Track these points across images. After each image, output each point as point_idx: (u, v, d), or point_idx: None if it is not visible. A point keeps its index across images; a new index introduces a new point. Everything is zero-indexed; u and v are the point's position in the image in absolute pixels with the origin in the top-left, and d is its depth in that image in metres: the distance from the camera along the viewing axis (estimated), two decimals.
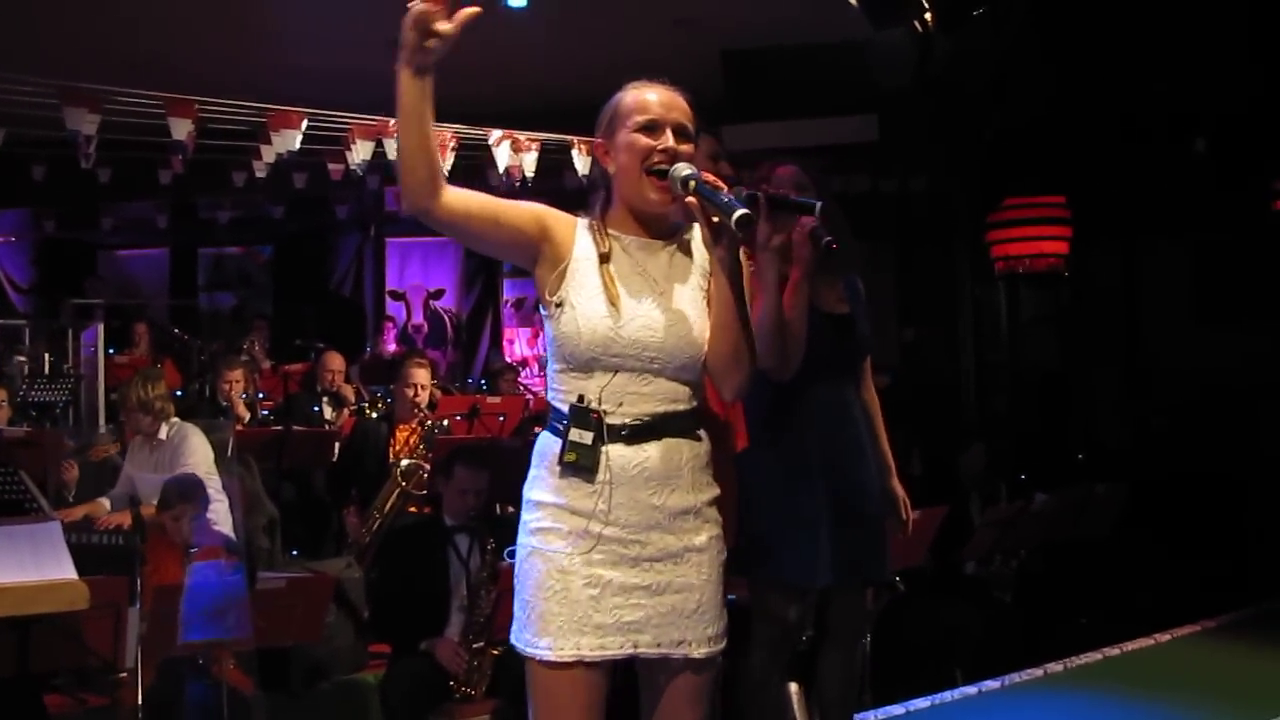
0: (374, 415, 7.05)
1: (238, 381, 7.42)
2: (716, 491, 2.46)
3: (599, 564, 2.31)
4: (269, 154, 6.87)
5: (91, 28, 8.20)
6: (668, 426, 2.37)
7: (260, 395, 8.31)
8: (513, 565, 3.99)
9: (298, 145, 6.72)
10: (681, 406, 2.39)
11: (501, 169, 7.25)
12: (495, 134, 7.22)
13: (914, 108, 8.13)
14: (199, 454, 5.56)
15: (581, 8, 7.93)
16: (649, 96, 2.43)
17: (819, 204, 2.53)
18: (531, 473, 2.42)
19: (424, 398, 6.60)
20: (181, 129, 6.23)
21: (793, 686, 4.10)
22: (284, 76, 8.82)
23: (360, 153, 6.97)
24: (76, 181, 8.16)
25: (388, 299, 12.93)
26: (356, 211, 12.19)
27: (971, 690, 3.86)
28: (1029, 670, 4.00)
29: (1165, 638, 4.49)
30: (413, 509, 6.11)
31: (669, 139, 2.38)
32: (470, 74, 8.93)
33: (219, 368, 7.66)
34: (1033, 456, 7.99)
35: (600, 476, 2.32)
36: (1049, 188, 9.03)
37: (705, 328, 2.40)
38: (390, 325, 12.29)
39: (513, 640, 2.39)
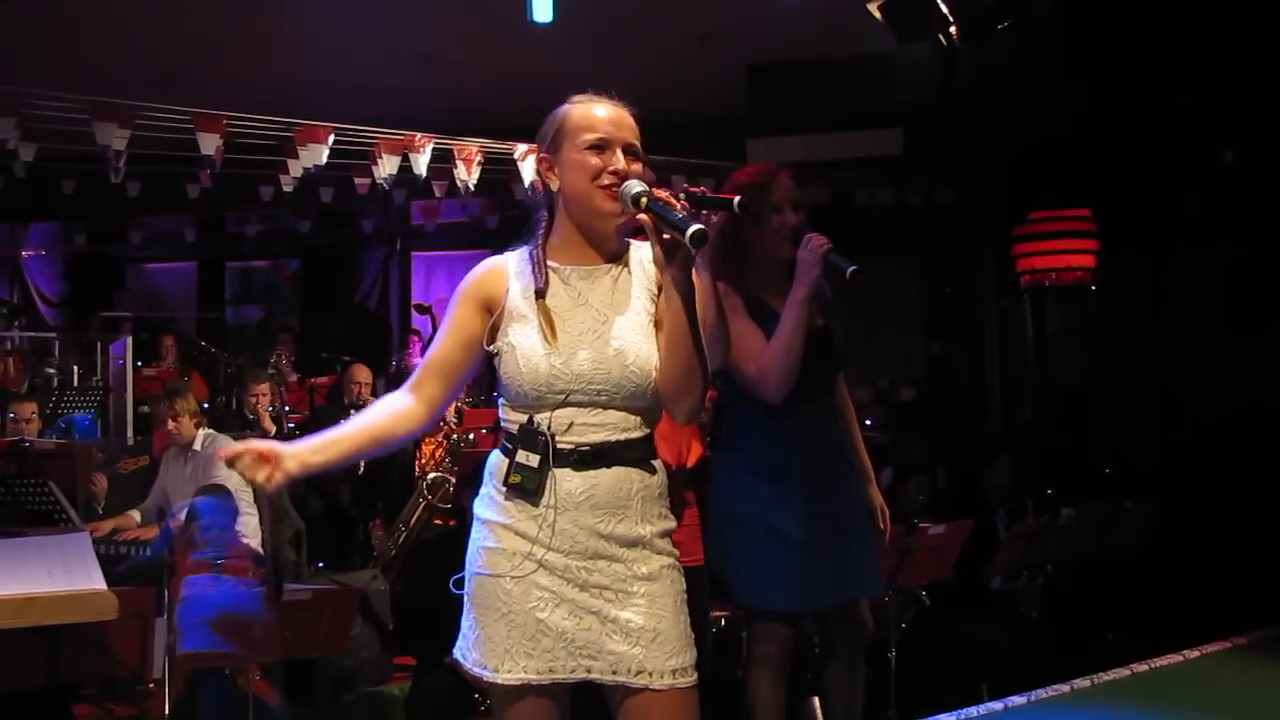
0: None
1: (264, 394, 7.46)
2: (671, 524, 2.40)
3: (547, 587, 2.27)
4: (296, 168, 6.92)
5: (121, 44, 8.28)
6: (619, 455, 2.32)
7: (286, 408, 8.35)
8: None
9: (324, 159, 6.76)
10: (634, 434, 2.34)
11: (527, 183, 7.27)
12: (521, 148, 7.24)
13: (939, 121, 8.12)
14: None
15: (607, 23, 7.95)
16: (597, 113, 2.38)
17: (735, 200, 2.41)
18: (482, 489, 2.41)
19: (450, 411, 6.62)
20: (210, 144, 6.29)
21: (815, 701, 4.10)
22: (310, 91, 8.89)
23: (386, 167, 7.00)
24: (106, 196, 8.22)
25: (413, 312, 12.94)
26: (382, 225, 12.23)
27: (998, 706, 3.83)
28: (1056, 686, 3.96)
29: (1195, 654, 4.43)
30: (438, 521, 6.13)
31: (619, 159, 2.33)
32: (496, 88, 9.02)
33: (245, 381, 7.70)
34: (1059, 471, 7.94)
35: (545, 500, 2.28)
36: (1075, 201, 8.99)
37: (652, 353, 2.33)
38: (416, 339, 12.30)
39: (458, 657, 2.37)
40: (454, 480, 5.99)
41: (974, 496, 6.20)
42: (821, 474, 3.36)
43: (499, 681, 2.28)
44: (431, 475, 6.21)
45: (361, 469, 7.05)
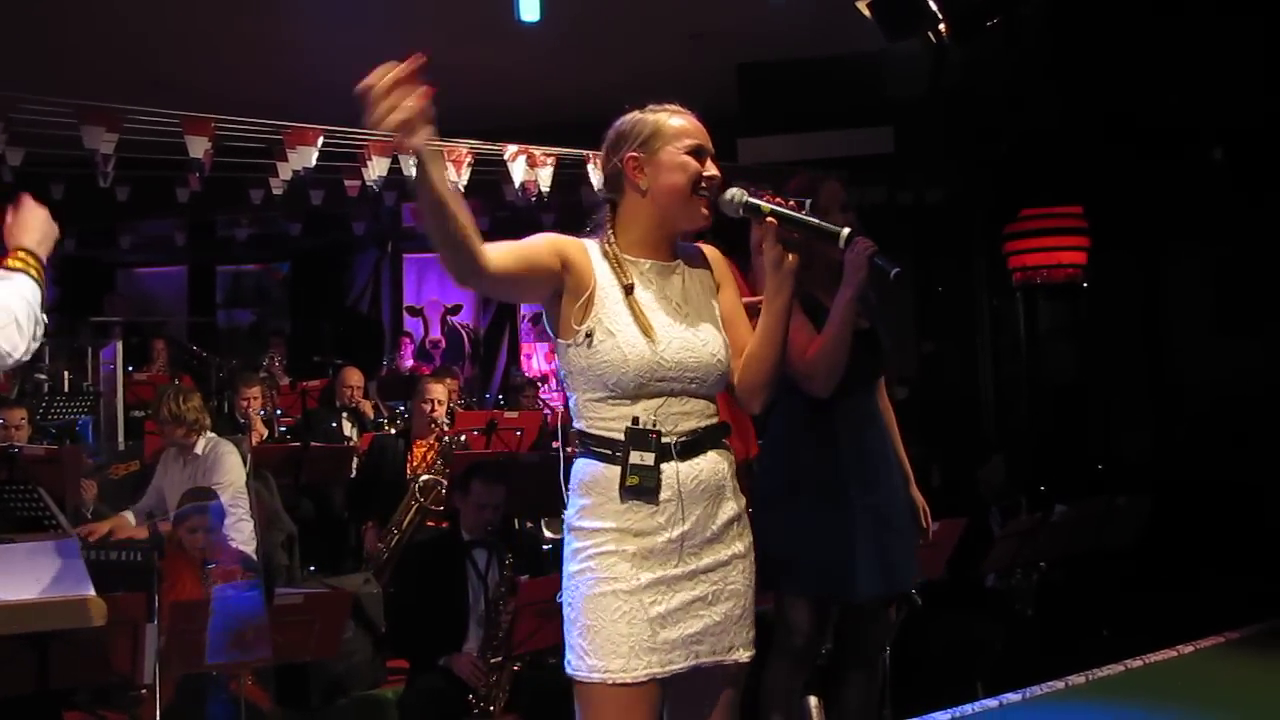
0: (392, 431, 7.04)
1: (256, 398, 7.44)
2: (745, 501, 2.53)
3: (663, 582, 2.35)
4: (285, 171, 6.88)
5: (108, 47, 8.26)
6: (712, 440, 2.45)
7: (278, 411, 8.33)
8: (529, 581, 4.00)
9: (314, 162, 6.73)
10: (715, 420, 2.47)
11: (517, 184, 7.25)
12: (510, 149, 7.22)
13: (929, 119, 8.13)
14: (233, 472, 5.58)
15: (596, 22, 7.94)
16: (691, 122, 2.52)
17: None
18: (577, 500, 2.43)
19: (442, 413, 6.61)
20: (198, 147, 6.25)
21: (812, 700, 4.10)
22: (299, 93, 8.86)
23: (376, 169, 6.98)
24: (95, 200, 8.19)
25: (405, 315, 12.95)
26: (373, 228, 12.22)
27: (992, 703, 3.83)
28: (1051, 683, 3.97)
29: (1189, 649, 4.44)
30: (431, 524, 6.11)
31: (711, 167, 2.49)
32: (485, 89, 9.00)
33: (237, 384, 7.68)
34: (1052, 468, 7.95)
35: (664, 495, 2.36)
36: (1066, 198, 9.00)
37: (725, 344, 2.49)
38: (408, 341, 12.31)
39: (571, 670, 2.38)
40: (446, 483, 5.98)
41: (968, 494, 6.21)
42: (862, 468, 3.45)
43: (627, 681, 2.31)
44: (423, 478, 6.19)
45: (354, 471, 7.04)
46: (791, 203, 2.51)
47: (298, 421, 8.36)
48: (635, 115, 2.53)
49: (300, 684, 4.99)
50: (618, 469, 2.36)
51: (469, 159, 7.06)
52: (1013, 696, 3.85)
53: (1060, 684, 3.96)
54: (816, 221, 2.47)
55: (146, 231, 12.15)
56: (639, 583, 2.34)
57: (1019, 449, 8.40)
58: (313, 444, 7.18)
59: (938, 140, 8.53)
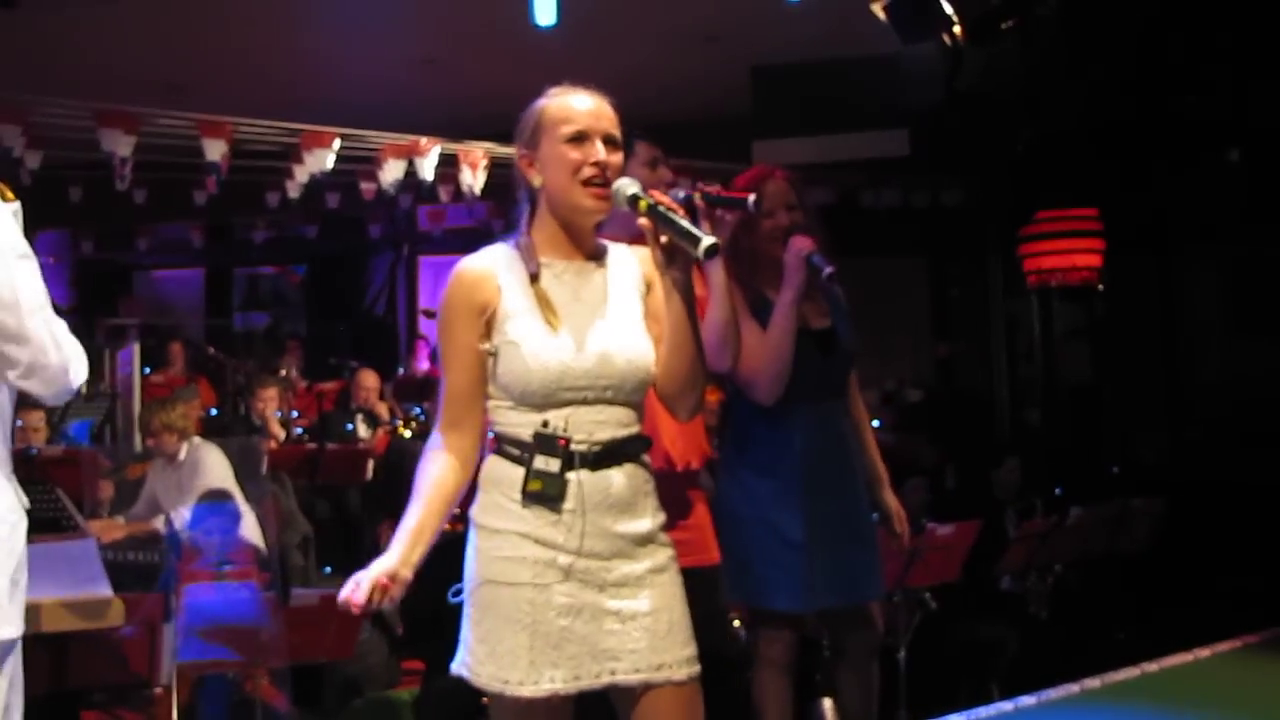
0: (408, 433, 7.06)
1: (272, 400, 7.47)
2: (664, 517, 2.38)
3: (569, 593, 2.23)
4: (302, 174, 6.92)
5: (126, 51, 8.30)
6: (627, 451, 2.31)
7: (294, 414, 8.36)
8: None
9: (330, 165, 6.76)
10: (634, 430, 2.33)
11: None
12: None
13: (945, 122, 8.11)
14: (216, 471, 5.61)
15: (612, 26, 7.95)
16: (574, 104, 2.34)
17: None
18: (482, 497, 2.33)
19: None
20: (216, 150, 6.29)
21: (826, 702, 4.08)
22: (316, 97, 8.90)
23: (392, 172, 7.01)
24: (112, 203, 8.23)
25: (421, 317, 12.94)
26: (389, 231, 12.24)
27: (1008, 706, 3.82)
28: (1066, 686, 3.96)
29: (1205, 653, 4.43)
30: (447, 526, 6.12)
31: (599, 151, 2.30)
32: (501, 92, 9.00)
33: (253, 387, 7.71)
34: (1067, 470, 7.92)
35: (567, 505, 2.24)
36: (1081, 200, 8.97)
37: (649, 348, 2.33)
38: (424, 344, 12.31)
39: (468, 673, 2.31)
40: None
41: (982, 497, 6.20)
42: (822, 475, 3.35)
43: (524, 695, 2.21)
44: None
45: (370, 473, 7.06)
46: (711, 190, 2.40)
47: (313, 423, 8.38)
48: (530, 107, 2.39)
49: (315, 685, 5.00)
50: (522, 471, 2.25)
51: (485, 161, 7.09)
52: (1027, 699, 3.84)
53: (1075, 687, 3.95)
54: (685, 225, 2.21)
55: (163, 234, 12.20)
56: (540, 593, 2.22)
57: (1034, 451, 8.36)
58: (328, 446, 7.20)
59: (953, 143, 8.51)
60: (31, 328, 2.15)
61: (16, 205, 2.31)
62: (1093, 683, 4.00)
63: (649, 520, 2.32)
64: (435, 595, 4.61)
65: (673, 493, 2.68)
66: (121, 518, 5.77)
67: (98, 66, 8.34)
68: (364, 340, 12.42)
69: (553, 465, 2.22)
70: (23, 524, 2.26)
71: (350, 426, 8.10)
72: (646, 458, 2.36)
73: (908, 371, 10.35)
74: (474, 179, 7.10)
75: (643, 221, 2.23)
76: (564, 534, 2.24)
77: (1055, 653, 5.37)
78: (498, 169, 7.24)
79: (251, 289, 13.92)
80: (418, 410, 8.57)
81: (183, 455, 5.71)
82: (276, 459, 6.50)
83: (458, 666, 2.34)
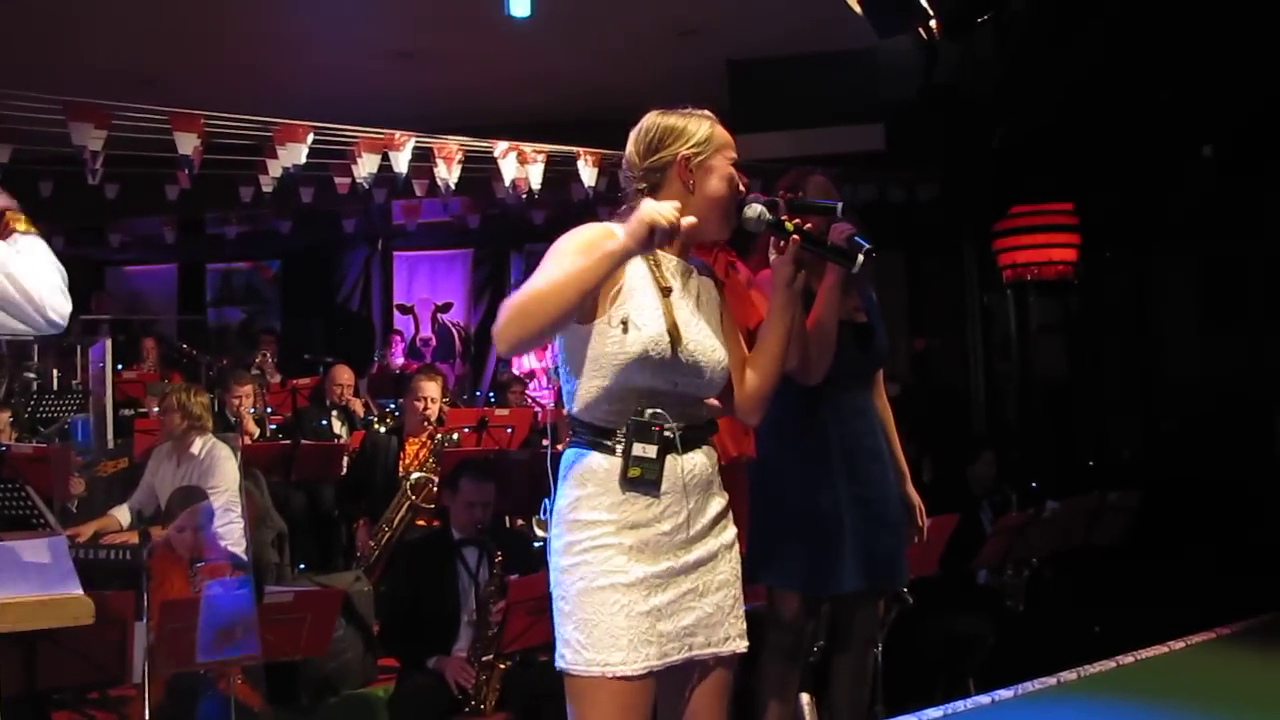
0: (383, 429, 7.03)
1: (247, 396, 7.41)
2: (728, 497, 2.54)
3: (659, 575, 2.36)
4: (275, 168, 6.86)
5: (96, 44, 8.23)
6: (703, 437, 2.48)
7: (269, 410, 8.31)
8: (519, 580, 3.98)
9: (304, 159, 6.71)
10: (708, 417, 2.51)
11: (508, 181, 7.24)
12: (501, 146, 7.21)
13: (921, 116, 8.13)
14: (228, 476, 5.54)
15: (586, 19, 7.93)
16: (729, 135, 2.57)
17: (839, 204, 2.71)
18: (572, 492, 2.41)
19: (433, 411, 6.60)
20: (188, 144, 6.23)
21: (804, 697, 4.09)
22: (289, 90, 8.85)
23: (366, 166, 6.95)
24: (84, 198, 8.15)
25: (396, 312, 12.93)
26: (364, 225, 12.20)
27: (985, 699, 3.83)
28: (1042, 679, 3.97)
29: (1180, 645, 4.44)
30: (421, 522, 6.10)
31: (740, 180, 2.55)
32: (475, 85, 8.99)
33: (228, 383, 7.65)
34: (1043, 464, 7.95)
35: (664, 487, 2.37)
36: (1057, 195, 9.01)
37: (727, 352, 2.52)
38: (398, 339, 12.29)
39: (567, 664, 2.36)
40: (437, 480, 5.96)
41: (958, 491, 6.20)
42: (855, 463, 3.46)
43: (627, 673, 2.30)
44: (415, 475, 6.17)
45: (345, 469, 7.02)
46: (809, 225, 2.56)
47: (288, 419, 8.34)
48: (683, 114, 2.56)
49: (290, 682, 4.97)
50: (618, 460, 2.37)
51: (459, 156, 7.05)
52: (1005, 693, 3.84)
53: (1053, 680, 3.95)
54: (838, 245, 2.57)
55: (136, 229, 12.11)
56: (636, 576, 2.34)
57: (1010, 445, 8.40)
58: (303, 442, 7.16)
59: (929, 138, 8.53)
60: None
61: None
62: (1069, 676, 4.00)
63: (721, 498, 2.50)
64: (412, 593, 4.61)
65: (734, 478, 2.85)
66: (120, 510, 5.69)
67: (67, 59, 8.27)
68: (338, 335, 12.40)
69: (650, 451, 2.37)
70: None
71: (325, 422, 8.06)
72: (713, 440, 2.53)
73: (884, 365, 10.37)
74: (449, 173, 7.06)
75: (794, 239, 2.50)
76: (660, 516, 2.38)
77: (1032, 646, 5.38)
78: (471, 163, 7.21)
79: (225, 284, 13.86)
80: (392, 405, 8.53)
81: (197, 450, 5.62)
82: (251, 455, 6.45)
83: (559, 663, 2.40)
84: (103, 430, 8.01)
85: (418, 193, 7.86)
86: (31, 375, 8.99)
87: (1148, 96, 7.77)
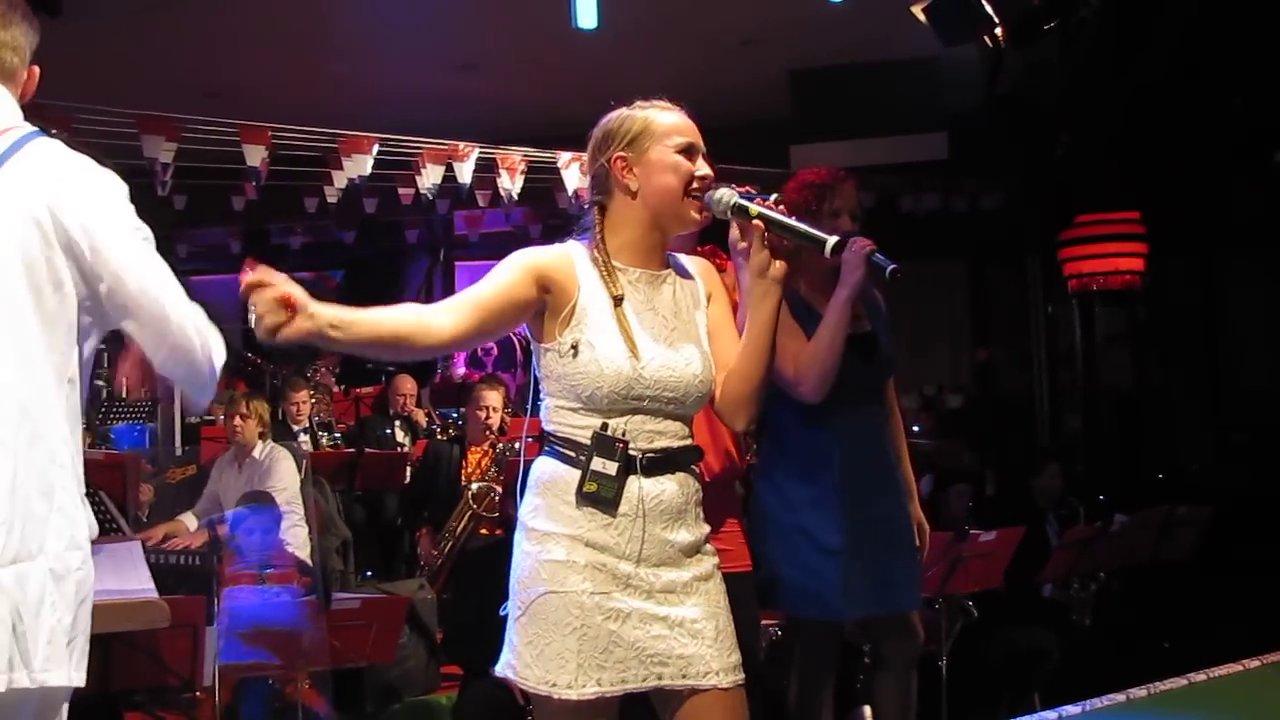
0: (445, 438, 7.08)
1: (304, 403, 7.50)
2: (708, 528, 2.41)
3: (618, 598, 2.25)
4: (340, 179, 6.94)
5: (167, 58, 8.36)
6: (681, 461, 2.35)
7: (333, 419, 8.39)
8: None
9: (369, 170, 6.78)
10: (689, 440, 2.37)
11: (570, 191, 7.27)
12: (564, 156, 7.24)
13: (985, 124, 8.06)
14: (288, 478, 5.63)
15: (651, 29, 7.95)
16: (678, 118, 2.41)
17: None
18: (533, 499, 2.34)
19: (495, 420, 6.63)
20: (255, 155, 6.32)
21: (867, 710, 4.05)
22: (355, 102, 8.94)
23: (430, 177, 7.01)
24: (152, 209, 8.21)
25: None
26: (426, 235, 12.29)
27: (1051, 715, 3.78)
28: (1111, 695, 3.91)
29: (1254, 664, 4.36)
30: (484, 531, 6.12)
31: (704, 166, 2.38)
32: (540, 96, 9.03)
33: (285, 390, 7.75)
34: (1110, 477, 7.84)
35: (622, 509, 2.27)
36: (1123, 204, 8.90)
37: (710, 363, 2.38)
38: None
39: (514, 675, 2.30)
40: (499, 489, 5.98)
41: (1024, 503, 6.13)
42: (861, 482, 3.31)
43: (572, 698, 2.22)
44: (476, 485, 6.20)
45: (408, 478, 7.07)
46: (781, 205, 2.38)
47: (351, 429, 8.42)
48: (623, 112, 2.43)
49: (355, 689, 5.01)
50: (578, 472, 2.27)
51: (523, 166, 7.09)
52: (1071, 709, 3.79)
53: (1121, 696, 3.90)
54: (804, 227, 2.32)
55: (202, 240, 12.28)
56: (590, 597, 2.23)
57: (1076, 457, 8.30)
58: (366, 451, 7.23)
59: (993, 146, 8.46)
60: (175, 326, 2.12)
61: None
62: (1139, 692, 3.94)
63: (697, 529, 2.35)
64: (475, 601, 4.62)
65: (719, 496, 2.68)
66: (187, 517, 5.79)
67: (135, 73, 8.41)
68: None
69: (610, 468, 2.26)
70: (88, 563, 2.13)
71: (388, 431, 8.12)
72: (697, 468, 2.40)
73: (947, 376, 10.30)
74: (512, 184, 7.10)
75: (756, 224, 2.31)
76: (616, 538, 2.27)
77: (1098, 661, 5.31)
78: (535, 174, 7.25)
79: None
80: (454, 415, 8.58)
81: (258, 454, 5.73)
82: (315, 464, 6.52)
83: (502, 668, 2.34)
84: (170, 438, 8.13)
85: (480, 203, 7.90)
86: (101, 383, 9.13)
87: (1214, 102, 7.66)
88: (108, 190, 2.22)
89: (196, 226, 11.43)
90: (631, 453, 2.27)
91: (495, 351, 12.72)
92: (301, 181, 7.57)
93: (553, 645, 2.24)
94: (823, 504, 3.27)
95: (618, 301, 2.31)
